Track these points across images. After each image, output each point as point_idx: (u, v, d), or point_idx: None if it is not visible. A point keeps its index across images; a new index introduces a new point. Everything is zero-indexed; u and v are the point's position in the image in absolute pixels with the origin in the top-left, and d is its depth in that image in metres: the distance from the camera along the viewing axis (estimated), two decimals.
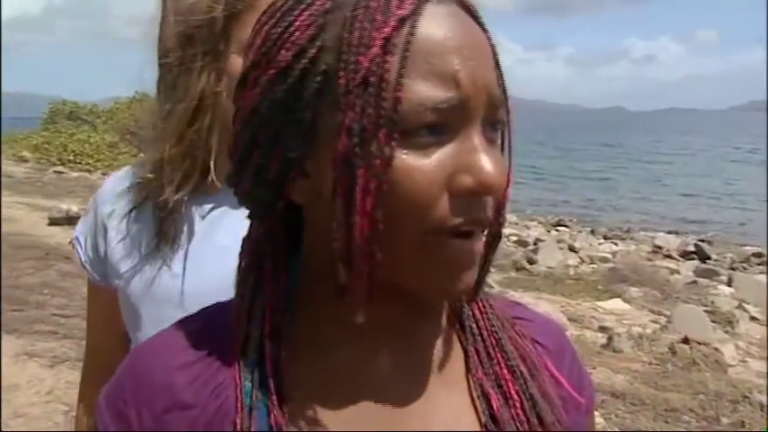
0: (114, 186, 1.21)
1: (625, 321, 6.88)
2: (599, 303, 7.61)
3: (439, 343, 0.63)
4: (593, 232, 15.94)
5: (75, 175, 16.61)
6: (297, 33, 0.53)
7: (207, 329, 0.63)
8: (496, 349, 0.64)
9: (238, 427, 0.55)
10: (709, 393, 4.58)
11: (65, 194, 12.17)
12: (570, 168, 37.78)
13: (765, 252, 12.33)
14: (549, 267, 9.69)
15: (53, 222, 9.46)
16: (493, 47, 0.56)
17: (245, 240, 0.63)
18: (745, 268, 11.29)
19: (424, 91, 0.50)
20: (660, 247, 12.86)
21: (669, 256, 12.11)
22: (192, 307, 1.03)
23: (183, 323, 0.65)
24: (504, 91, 0.56)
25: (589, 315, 7.14)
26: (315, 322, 0.61)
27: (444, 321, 0.65)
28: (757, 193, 24.11)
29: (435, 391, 0.61)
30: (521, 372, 0.63)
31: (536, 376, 0.64)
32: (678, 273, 10.16)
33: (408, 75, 0.50)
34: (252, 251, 0.62)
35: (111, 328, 1.19)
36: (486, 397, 0.61)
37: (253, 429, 0.55)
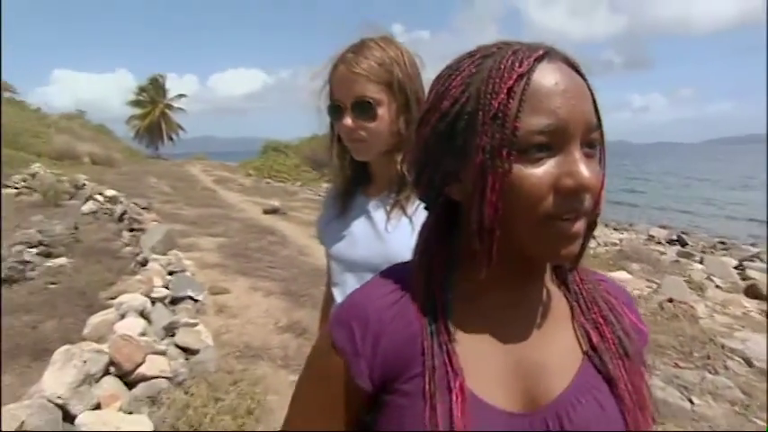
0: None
1: (628, 287, 6.45)
2: (610, 274, 7.14)
3: (551, 297, 0.59)
4: (606, 225, 14.97)
5: (277, 184, 17.43)
6: (453, 90, 0.52)
7: (398, 282, 0.59)
8: (592, 303, 0.59)
9: (425, 346, 0.53)
10: (686, 336, 4.21)
11: (272, 195, 12.66)
12: None
13: (726, 240, 11.23)
14: None
15: (265, 212, 9.76)
16: (591, 91, 0.51)
17: (423, 225, 0.60)
18: (712, 252, 10.24)
19: (533, 120, 0.48)
20: (653, 236, 11.89)
21: (659, 243, 11.17)
22: (352, 266, 1.03)
23: (383, 277, 0.61)
24: (599, 120, 0.51)
25: None
26: (466, 279, 0.57)
27: (554, 283, 0.60)
28: (715, 200, 22.07)
29: (549, 329, 0.57)
30: (610, 319, 0.59)
31: (620, 321, 0.59)
32: (665, 254, 9.34)
33: (524, 111, 0.48)
34: (427, 232, 0.59)
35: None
36: (586, 334, 0.57)
37: (434, 348, 0.53)
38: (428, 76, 1.02)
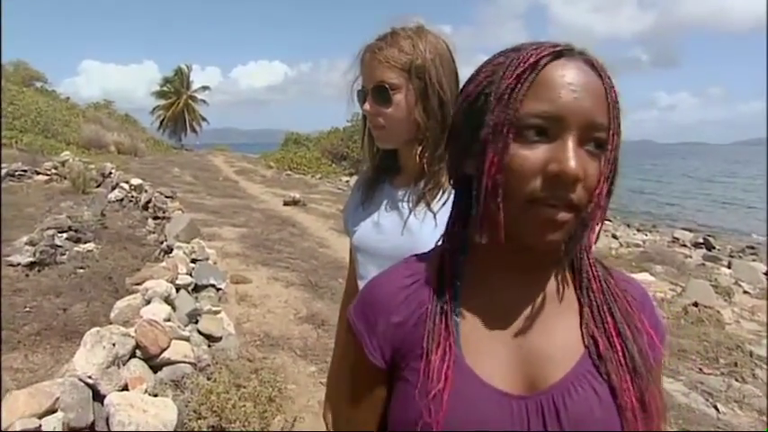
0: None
1: (651, 289, 6.31)
2: (633, 276, 6.98)
3: (560, 289, 0.59)
4: (629, 225, 14.66)
5: (297, 176, 17.49)
6: (480, 76, 0.56)
7: (418, 266, 0.62)
8: (607, 313, 0.58)
9: (428, 327, 0.56)
10: (712, 342, 4.12)
11: (292, 187, 12.71)
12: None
13: (756, 245, 10.86)
14: (597, 249, 9.07)
15: (286, 203, 9.81)
16: (607, 90, 0.52)
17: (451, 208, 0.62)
18: (740, 256, 9.93)
19: (534, 105, 0.50)
20: (677, 239, 11.60)
21: (684, 245, 10.90)
22: (375, 257, 1.00)
23: (405, 263, 0.64)
24: (612, 121, 0.51)
25: None
26: (476, 264, 0.59)
27: (565, 275, 0.60)
28: (744, 201, 21.41)
29: (553, 319, 0.57)
30: (625, 333, 0.57)
31: (635, 336, 0.57)
32: (690, 257, 9.12)
33: (528, 97, 0.50)
34: (449, 216, 0.61)
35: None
36: (593, 339, 0.56)
37: (436, 329, 0.56)
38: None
